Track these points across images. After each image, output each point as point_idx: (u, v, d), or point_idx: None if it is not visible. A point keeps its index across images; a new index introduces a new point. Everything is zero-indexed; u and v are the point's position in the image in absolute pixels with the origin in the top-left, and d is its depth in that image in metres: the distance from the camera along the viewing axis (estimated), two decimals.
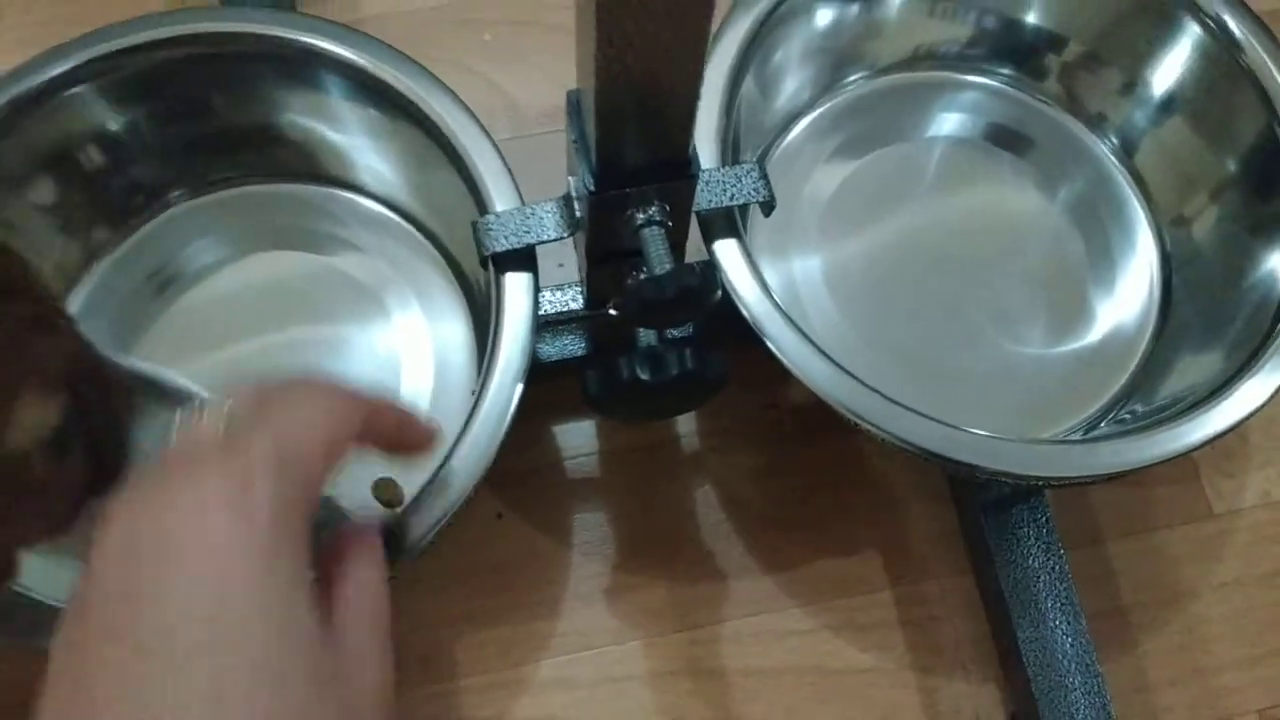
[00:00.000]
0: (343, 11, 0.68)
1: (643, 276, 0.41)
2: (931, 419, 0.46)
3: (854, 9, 0.55)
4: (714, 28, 0.49)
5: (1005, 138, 0.59)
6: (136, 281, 0.55)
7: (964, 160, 0.59)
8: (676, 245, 0.43)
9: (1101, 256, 0.58)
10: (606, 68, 0.34)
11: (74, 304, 0.54)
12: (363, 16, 0.68)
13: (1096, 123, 0.58)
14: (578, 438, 0.60)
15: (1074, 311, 0.57)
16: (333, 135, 0.54)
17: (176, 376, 0.38)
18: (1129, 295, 0.57)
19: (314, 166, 0.55)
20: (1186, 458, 0.58)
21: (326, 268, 0.55)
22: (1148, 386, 0.55)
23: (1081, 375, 0.56)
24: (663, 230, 0.41)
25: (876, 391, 0.46)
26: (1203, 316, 0.55)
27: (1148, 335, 0.57)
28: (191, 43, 0.49)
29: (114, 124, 0.52)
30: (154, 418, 0.37)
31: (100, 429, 0.36)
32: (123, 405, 0.37)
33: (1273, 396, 0.48)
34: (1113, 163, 0.58)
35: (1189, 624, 0.57)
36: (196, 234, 0.55)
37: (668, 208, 0.41)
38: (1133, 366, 0.56)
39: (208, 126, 0.53)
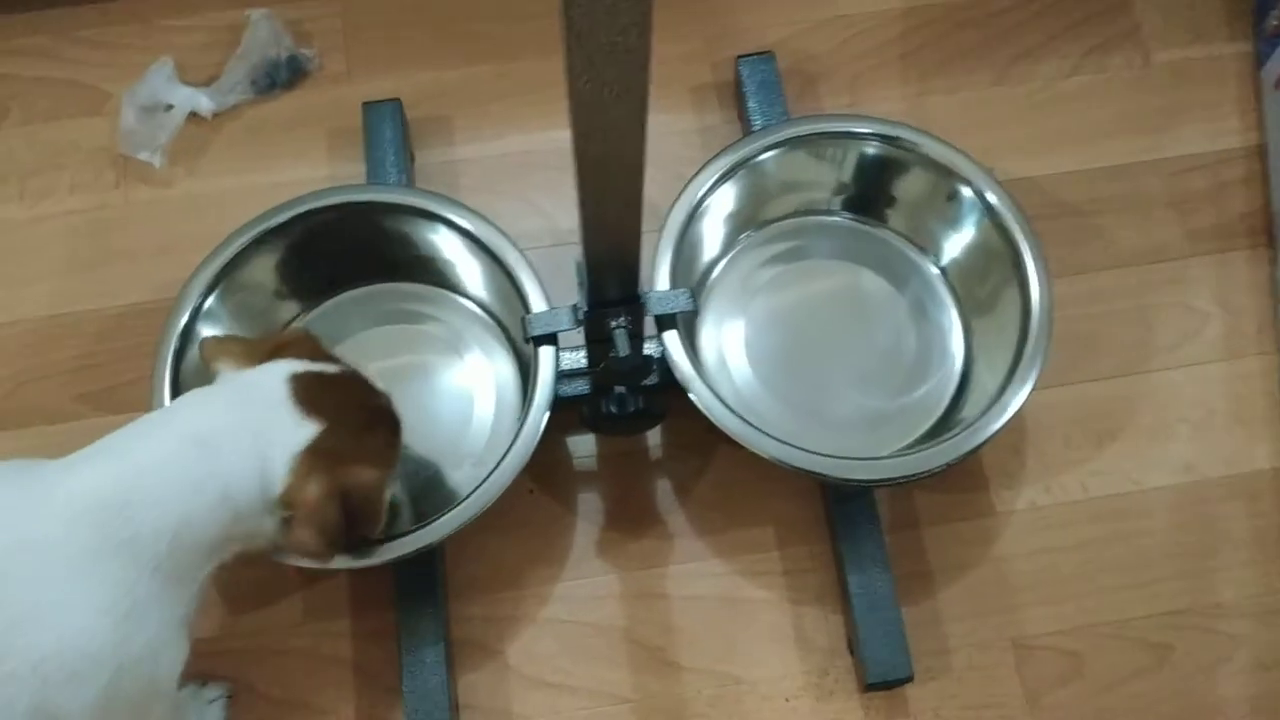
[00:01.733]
0: (441, 152, 1.01)
1: (612, 355, 0.74)
2: (788, 444, 0.78)
3: (748, 196, 0.88)
4: (667, 214, 0.82)
5: (864, 257, 0.91)
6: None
7: (839, 271, 0.91)
8: (636, 335, 0.76)
9: (927, 332, 0.89)
10: (588, 238, 0.67)
11: None
12: (455, 159, 1.01)
13: (922, 248, 0.90)
14: (583, 446, 0.92)
15: (907, 371, 0.88)
16: (436, 256, 0.87)
17: None
18: (944, 357, 0.89)
19: (426, 275, 0.89)
20: (980, 474, 0.90)
21: (430, 335, 0.89)
22: (956, 418, 0.86)
23: (910, 413, 0.87)
24: (625, 330, 0.74)
25: (754, 426, 0.78)
26: (989, 368, 0.86)
27: (953, 385, 0.88)
28: (348, 205, 0.84)
29: (308, 246, 0.86)
30: None
31: None
32: None
33: (1004, 424, 0.79)
34: (933, 272, 0.90)
35: (970, 584, 0.88)
36: (354, 310, 0.89)
37: (627, 318, 0.73)
38: (945, 405, 0.88)
39: (362, 249, 0.87)
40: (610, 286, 0.72)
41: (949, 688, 0.86)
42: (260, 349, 0.70)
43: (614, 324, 0.74)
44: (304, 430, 0.65)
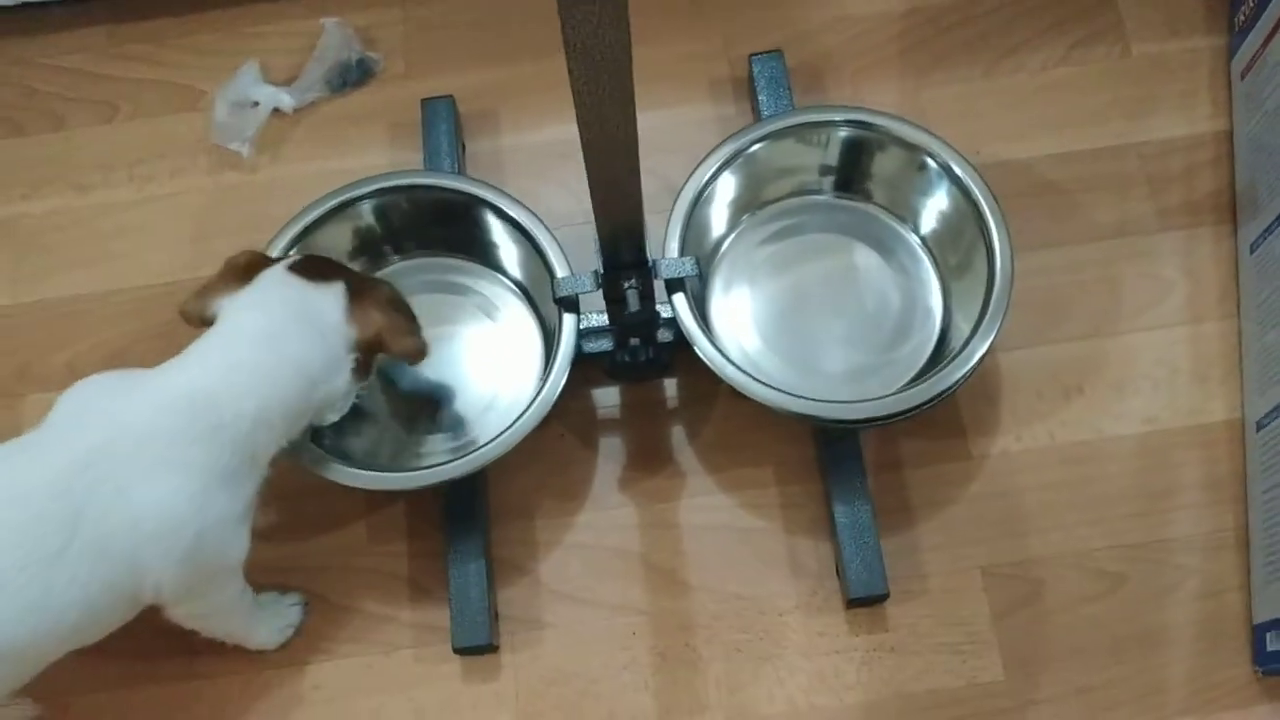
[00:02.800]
0: (489, 142, 1.15)
1: (626, 311, 0.87)
2: (777, 389, 0.90)
3: (747, 181, 1.01)
4: (677, 194, 0.95)
5: (853, 230, 1.03)
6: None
7: (830, 244, 1.03)
8: (646, 295, 0.89)
9: (910, 295, 1.01)
10: (597, 210, 0.80)
11: None
12: (501, 147, 1.15)
13: (902, 219, 1.02)
14: (607, 397, 1.06)
15: (892, 330, 1.00)
16: (478, 235, 1.01)
17: None
18: (925, 316, 1.00)
19: (470, 250, 1.03)
20: (958, 423, 1.02)
21: (469, 305, 1.03)
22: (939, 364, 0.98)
23: (895, 366, 0.99)
24: (636, 290, 0.87)
25: (750, 375, 0.91)
26: (965, 325, 0.97)
27: (933, 341, 1.00)
28: (410, 187, 0.99)
29: (377, 218, 1.01)
30: None
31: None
32: None
33: (966, 373, 0.91)
34: (914, 240, 1.02)
35: (946, 519, 1.00)
36: (407, 276, 1.04)
37: (637, 279, 0.87)
38: (925, 359, 0.99)
39: (416, 225, 1.02)
40: (623, 252, 0.85)
41: (923, 607, 0.98)
42: (233, 271, 0.86)
43: (626, 285, 0.87)
44: (333, 291, 0.84)
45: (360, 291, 0.86)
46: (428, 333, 1.00)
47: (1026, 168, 1.11)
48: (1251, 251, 1.04)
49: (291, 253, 0.97)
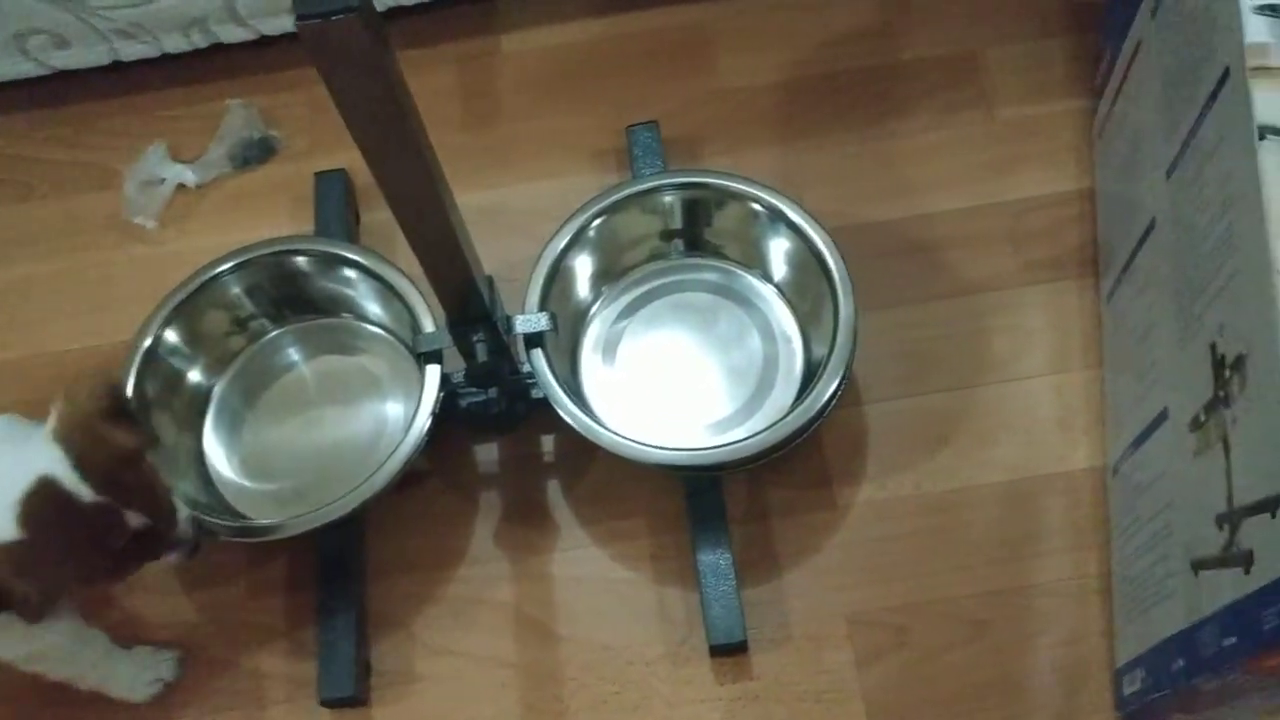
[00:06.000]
0: (383, 213, 1.20)
1: (476, 363, 0.91)
2: (626, 439, 0.93)
3: (602, 252, 1.05)
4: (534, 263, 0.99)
5: (712, 287, 1.07)
6: (262, 362, 1.08)
7: (693, 302, 1.07)
8: (495, 349, 0.92)
9: (772, 344, 1.04)
10: (428, 273, 0.84)
11: (233, 369, 1.07)
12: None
13: (757, 272, 1.06)
14: (487, 453, 1.08)
15: (758, 381, 1.03)
16: (355, 294, 1.06)
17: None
18: (789, 364, 1.03)
19: (350, 311, 1.08)
20: (824, 473, 1.04)
21: (355, 365, 1.07)
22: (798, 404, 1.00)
23: (766, 418, 1.01)
24: (484, 344, 0.91)
25: (601, 424, 0.94)
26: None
27: (796, 389, 1.02)
28: (290, 252, 1.04)
29: (247, 288, 1.05)
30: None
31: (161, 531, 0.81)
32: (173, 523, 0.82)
33: (808, 423, 0.93)
34: (770, 290, 1.06)
35: (811, 567, 1.01)
36: (290, 342, 1.08)
37: (482, 334, 0.90)
38: (793, 399, 1.02)
39: (296, 290, 1.06)
40: (468, 308, 0.89)
41: (788, 655, 0.99)
42: (90, 434, 0.76)
43: (475, 338, 0.90)
44: (6, 531, 0.74)
45: (27, 548, 0.74)
46: (317, 397, 1.05)
47: (897, 228, 1.15)
48: (1108, 301, 1.07)
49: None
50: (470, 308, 0.88)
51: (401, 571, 1.04)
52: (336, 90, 0.63)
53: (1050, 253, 1.13)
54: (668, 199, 1.04)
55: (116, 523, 0.77)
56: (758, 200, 1.02)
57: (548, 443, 1.09)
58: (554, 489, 1.07)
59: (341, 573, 1.00)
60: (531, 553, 1.04)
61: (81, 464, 0.75)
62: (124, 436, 0.77)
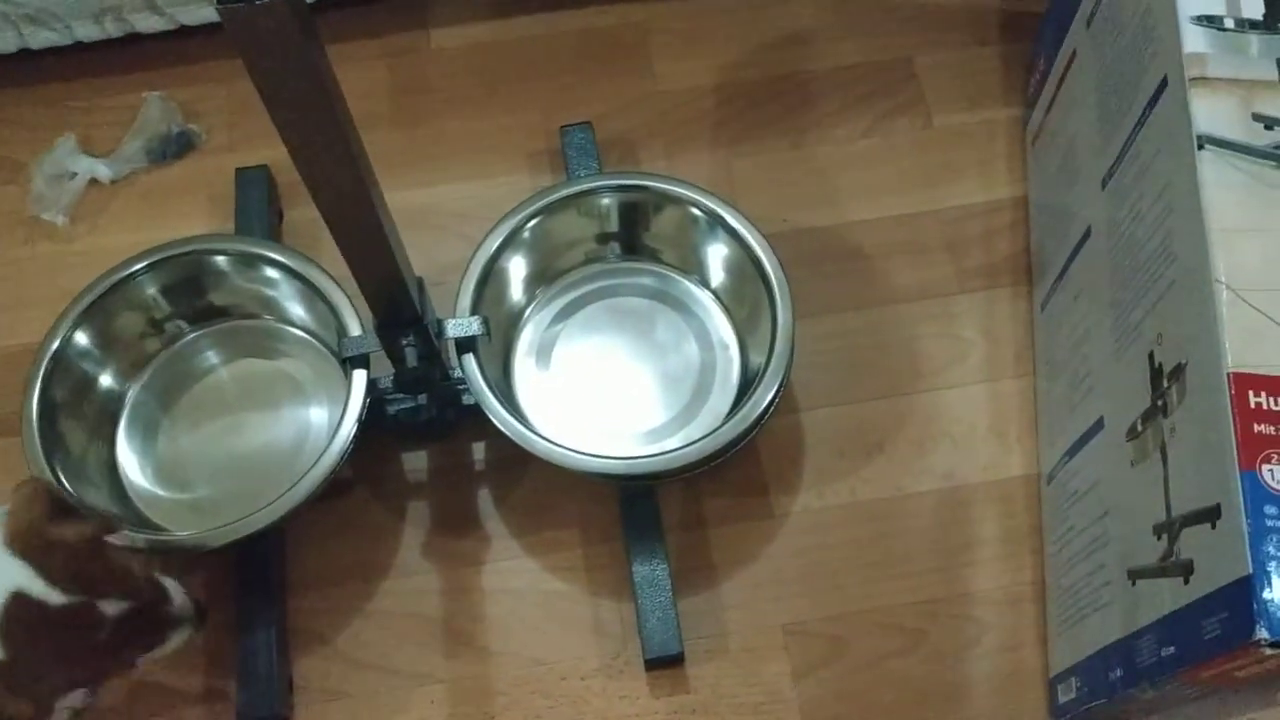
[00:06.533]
0: (307, 211, 1.15)
1: (405, 368, 0.88)
2: (557, 445, 0.91)
3: (537, 254, 1.03)
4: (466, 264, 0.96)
5: (648, 291, 1.05)
6: (180, 366, 1.03)
7: (628, 306, 1.05)
8: (425, 354, 0.89)
9: (709, 351, 1.02)
10: (355, 274, 0.81)
11: (148, 373, 1.02)
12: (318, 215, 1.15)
13: (695, 278, 1.05)
14: (415, 461, 1.05)
15: (694, 387, 1.01)
16: (274, 294, 1.02)
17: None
18: (726, 371, 1.02)
19: (268, 312, 1.03)
20: (760, 481, 1.03)
21: (275, 368, 1.03)
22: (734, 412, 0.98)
23: (701, 424, 0.99)
24: (414, 349, 0.87)
25: (535, 432, 0.91)
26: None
27: (732, 396, 1.01)
28: (208, 251, 0.99)
29: (162, 289, 1.00)
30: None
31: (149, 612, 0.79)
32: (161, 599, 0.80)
33: (743, 433, 0.92)
34: (706, 295, 1.04)
35: (747, 577, 1.00)
36: (210, 344, 1.03)
37: (414, 337, 0.87)
38: (729, 406, 1.00)
39: (211, 290, 1.02)
40: (400, 311, 0.86)
41: (725, 667, 0.97)
42: (43, 538, 0.75)
43: (405, 342, 0.87)
44: None
45: (13, 668, 0.74)
46: (237, 402, 1.01)
47: (831, 234, 1.14)
48: (1042, 309, 1.07)
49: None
50: (400, 311, 0.85)
51: (325, 585, 1.00)
52: (261, 81, 0.59)
53: (984, 261, 1.14)
54: (605, 201, 1.02)
55: (93, 616, 0.76)
56: (697, 205, 1.00)
57: (478, 450, 1.06)
58: (485, 498, 1.04)
59: (262, 586, 0.96)
60: (462, 564, 1.01)
61: (44, 571, 0.74)
62: (74, 530, 0.77)
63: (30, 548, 0.75)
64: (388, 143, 1.20)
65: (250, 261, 1.00)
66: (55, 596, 0.74)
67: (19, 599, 0.74)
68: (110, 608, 0.76)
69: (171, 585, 0.82)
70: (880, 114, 1.21)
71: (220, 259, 1.00)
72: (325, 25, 1.27)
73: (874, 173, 1.18)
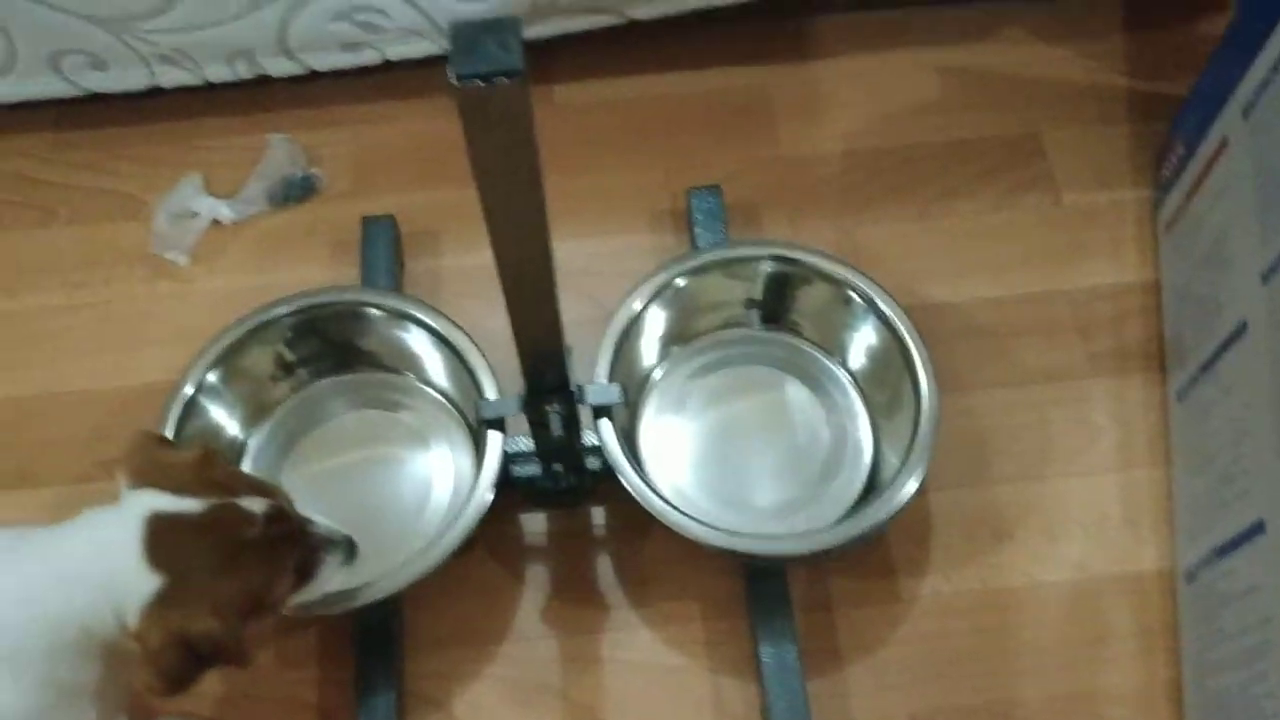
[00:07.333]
0: (428, 262, 1.15)
1: (549, 435, 0.86)
2: (698, 520, 0.89)
3: (677, 313, 1.02)
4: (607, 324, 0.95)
5: (782, 363, 1.03)
6: (304, 414, 1.02)
7: (760, 376, 1.03)
8: (569, 420, 0.88)
9: (839, 430, 1.01)
10: (518, 339, 0.79)
11: (272, 421, 1.01)
12: (440, 267, 1.15)
13: (830, 354, 1.03)
14: (535, 524, 1.03)
15: (821, 465, 0.99)
16: (409, 350, 1.01)
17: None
18: (856, 453, 1.00)
19: (401, 366, 1.02)
20: (888, 563, 1.00)
21: (400, 422, 1.02)
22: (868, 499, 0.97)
23: (824, 503, 0.98)
24: (558, 415, 0.86)
25: (673, 506, 0.89)
26: (896, 456, 0.96)
27: (863, 478, 0.99)
28: (335, 304, 0.99)
29: (300, 336, 0.99)
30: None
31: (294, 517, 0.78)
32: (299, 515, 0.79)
33: (890, 515, 0.90)
34: (843, 374, 1.03)
35: (875, 662, 0.97)
36: (336, 394, 1.02)
37: (560, 404, 0.86)
38: (855, 497, 0.98)
39: (346, 341, 1.01)
40: (546, 376, 0.84)
41: None
42: (153, 466, 0.73)
43: (549, 409, 0.86)
44: (150, 582, 0.68)
45: (174, 599, 0.69)
46: (355, 449, 0.99)
47: (958, 310, 1.13)
48: (1179, 400, 1.05)
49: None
50: (550, 377, 0.84)
51: (443, 646, 0.98)
52: (477, 153, 0.58)
53: (1114, 344, 1.11)
54: (757, 269, 1.01)
55: (238, 511, 0.72)
56: (851, 287, 0.99)
57: (597, 515, 1.04)
58: (604, 564, 1.02)
59: (381, 647, 0.94)
60: (579, 632, 0.99)
61: (170, 487, 0.72)
62: (183, 453, 0.76)
63: (150, 476, 0.73)
64: None
65: (395, 317, 0.99)
66: (192, 504, 0.71)
67: (158, 519, 0.70)
68: (252, 504, 0.73)
69: (299, 504, 0.80)
70: (1008, 188, 1.19)
71: (372, 311, 1.00)
72: (438, 79, 1.27)
73: (1002, 248, 1.16)
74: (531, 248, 0.67)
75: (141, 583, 0.68)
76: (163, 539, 0.70)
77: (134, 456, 0.75)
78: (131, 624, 0.68)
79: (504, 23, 0.52)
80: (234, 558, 0.72)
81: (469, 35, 0.52)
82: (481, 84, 0.53)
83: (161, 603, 0.68)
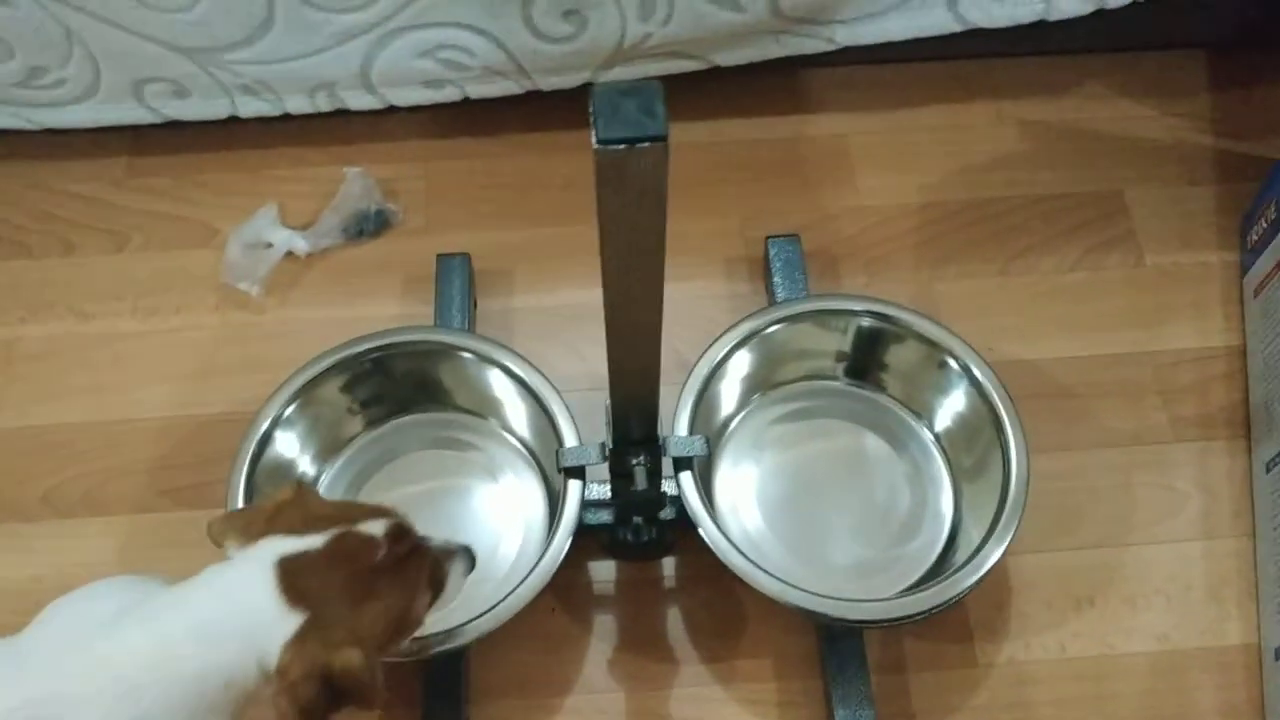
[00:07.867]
0: (502, 301, 1.14)
1: (631, 489, 0.84)
2: (783, 581, 0.87)
3: (762, 361, 1.00)
4: (690, 371, 0.94)
5: (865, 419, 1.02)
6: (376, 452, 1.01)
7: (841, 431, 1.01)
8: (654, 473, 0.86)
9: (920, 492, 0.99)
10: (614, 386, 0.78)
11: (342, 458, 1.00)
12: (514, 308, 1.14)
13: (917, 414, 1.01)
14: (603, 572, 1.02)
15: (900, 526, 0.97)
16: (486, 393, 0.99)
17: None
18: (935, 516, 0.98)
19: (476, 407, 1.01)
20: (965, 627, 0.98)
21: (472, 463, 1.00)
22: (943, 572, 0.94)
23: (902, 564, 0.96)
24: (644, 468, 0.84)
25: (755, 564, 0.88)
26: (976, 529, 0.94)
27: (941, 542, 0.97)
28: (415, 343, 0.98)
29: (378, 374, 0.98)
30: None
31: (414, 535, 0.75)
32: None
33: (978, 580, 0.87)
34: (927, 435, 1.00)
35: None
36: (410, 432, 1.01)
37: (646, 457, 0.84)
38: (934, 560, 0.96)
39: (422, 380, 0.99)
40: (633, 428, 0.83)
41: None
42: (259, 518, 0.72)
43: (634, 461, 0.84)
44: (290, 622, 0.67)
45: (315, 634, 0.68)
46: (426, 489, 0.98)
47: (1038, 369, 1.11)
48: (1267, 471, 1.02)
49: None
50: (639, 429, 0.82)
51: (509, 694, 0.96)
52: (606, 209, 0.57)
53: (1199, 410, 1.09)
54: (849, 323, 1.00)
55: (359, 538, 0.71)
56: (947, 350, 0.97)
57: (668, 565, 1.02)
58: (674, 618, 1.00)
59: (450, 691, 0.93)
60: (648, 687, 0.97)
61: (285, 529, 0.71)
62: (278, 495, 0.74)
63: (259, 527, 0.71)
64: (583, 238, 1.18)
65: (484, 363, 0.98)
66: (314, 540, 0.70)
67: (286, 560, 0.69)
68: (372, 527, 0.72)
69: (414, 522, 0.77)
70: (1090, 247, 1.17)
71: (460, 355, 0.99)
72: (531, 113, 1.26)
73: (1084, 307, 1.14)
74: (645, 307, 0.66)
75: (284, 624, 0.67)
76: (296, 579, 0.69)
77: (230, 524, 0.73)
78: (273, 664, 0.67)
79: (648, 87, 0.51)
80: (369, 583, 0.71)
81: (611, 99, 0.51)
82: (623, 148, 0.51)
83: (302, 637, 0.67)
